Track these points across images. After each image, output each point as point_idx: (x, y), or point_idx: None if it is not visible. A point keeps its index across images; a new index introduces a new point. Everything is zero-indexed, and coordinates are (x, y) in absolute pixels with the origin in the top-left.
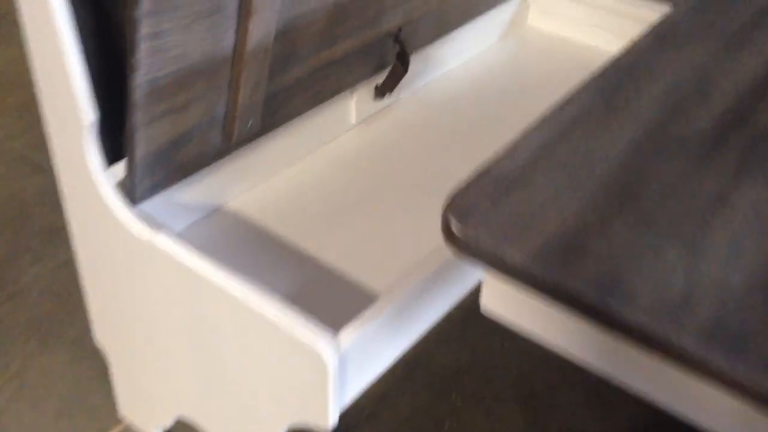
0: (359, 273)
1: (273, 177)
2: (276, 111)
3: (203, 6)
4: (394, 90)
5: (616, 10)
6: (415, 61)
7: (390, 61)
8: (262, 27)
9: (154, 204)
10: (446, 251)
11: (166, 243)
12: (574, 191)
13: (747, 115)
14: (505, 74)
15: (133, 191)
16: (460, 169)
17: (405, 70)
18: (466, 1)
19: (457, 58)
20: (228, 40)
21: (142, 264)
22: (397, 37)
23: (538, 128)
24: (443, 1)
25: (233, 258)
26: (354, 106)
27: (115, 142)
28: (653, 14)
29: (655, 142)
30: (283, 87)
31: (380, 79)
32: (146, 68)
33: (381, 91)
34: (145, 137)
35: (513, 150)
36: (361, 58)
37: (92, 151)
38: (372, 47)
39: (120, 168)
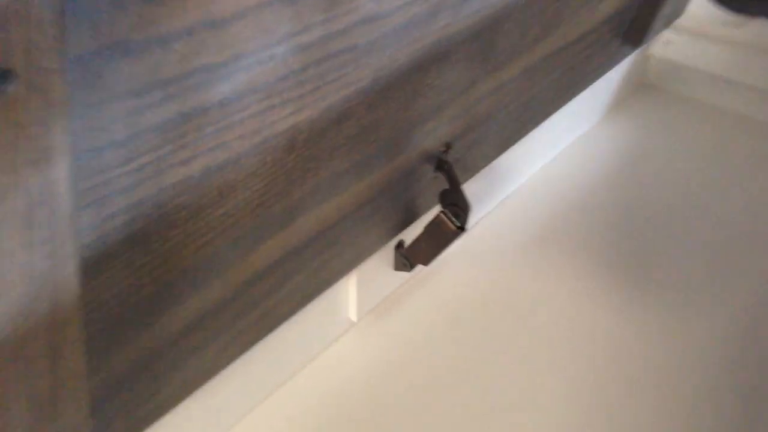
0: None
1: None
2: (153, 394)
3: None
4: (435, 258)
5: None
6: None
7: (426, 203)
8: (10, 291)
9: None
10: None
11: None
12: None
13: None
14: (620, 177)
15: None
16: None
17: (460, 227)
18: (567, 72)
19: (537, 161)
20: None
21: None
22: (441, 162)
23: None
24: (527, 81)
25: None
26: (354, 288)
27: None
28: None
29: None
30: (158, 349)
31: (407, 233)
32: None
33: (409, 260)
34: None
35: None
36: (362, 221)
37: None
38: (388, 193)
39: None
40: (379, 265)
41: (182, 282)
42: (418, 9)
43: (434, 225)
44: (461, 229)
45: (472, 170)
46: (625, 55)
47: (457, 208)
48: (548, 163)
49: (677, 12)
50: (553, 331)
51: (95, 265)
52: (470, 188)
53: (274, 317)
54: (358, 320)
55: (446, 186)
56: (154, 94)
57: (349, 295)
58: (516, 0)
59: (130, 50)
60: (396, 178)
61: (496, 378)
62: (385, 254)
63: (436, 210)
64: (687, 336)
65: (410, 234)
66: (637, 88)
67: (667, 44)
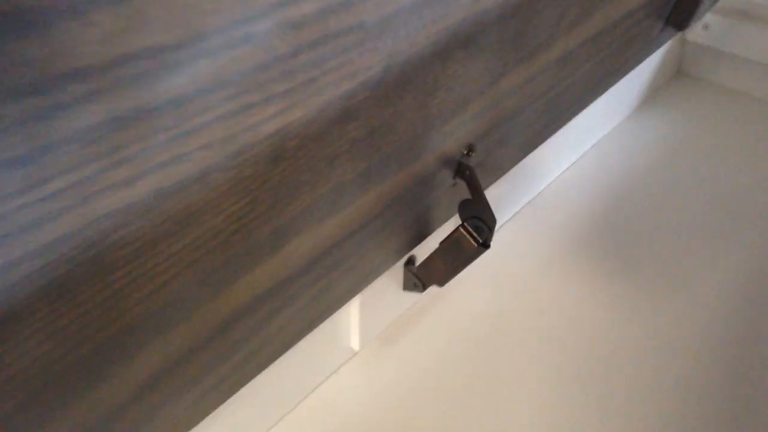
0: None
1: None
2: None
3: None
4: (452, 278)
5: None
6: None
7: (442, 216)
8: None
9: None
10: None
11: None
12: None
13: None
14: (655, 172)
15: None
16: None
17: (483, 244)
18: (599, 62)
19: (566, 159)
20: None
21: None
22: (462, 167)
23: None
24: (561, 72)
25: None
26: (356, 315)
27: None
28: None
29: None
30: (112, 414)
31: (419, 250)
32: None
33: (422, 280)
34: None
35: None
36: (368, 241)
37: None
38: (398, 204)
39: None
40: (386, 285)
41: (135, 334)
42: None
43: (452, 241)
44: (485, 246)
45: (495, 175)
46: (666, 40)
47: (479, 221)
48: (577, 160)
49: None
50: (578, 366)
51: (1, 329)
52: (491, 193)
53: (262, 358)
54: (361, 349)
55: (467, 195)
56: (69, 88)
57: (351, 321)
58: None
59: (27, 23)
60: (409, 187)
61: (507, 413)
62: (393, 272)
63: (453, 222)
64: (712, 350)
65: (423, 249)
66: (672, 77)
67: (706, 28)
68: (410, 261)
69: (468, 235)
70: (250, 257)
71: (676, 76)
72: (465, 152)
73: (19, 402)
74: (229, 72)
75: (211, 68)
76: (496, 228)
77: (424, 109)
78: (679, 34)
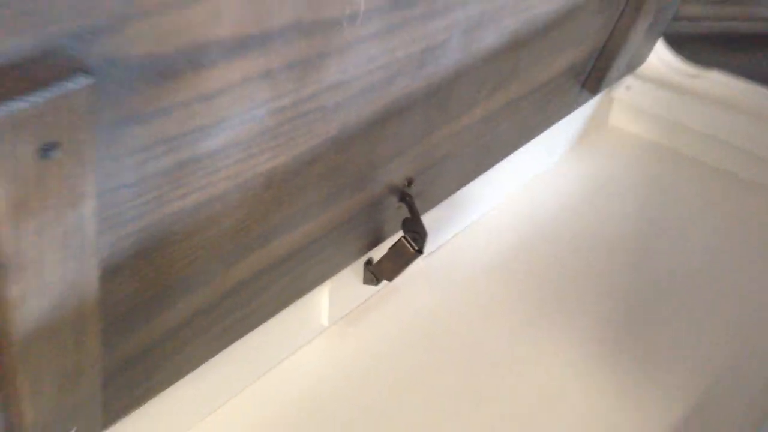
0: None
1: None
2: (146, 378)
3: None
4: (398, 275)
5: (746, 110)
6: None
7: (392, 229)
8: (50, 287)
9: None
10: None
11: None
12: None
13: None
14: (576, 211)
15: None
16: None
17: (418, 250)
18: (524, 119)
19: (499, 194)
20: None
21: None
22: (404, 194)
23: None
24: (489, 125)
25: None
26: (326, 297)
27: None
28: None
29: None
30: (157, 340)
31: (376, 251)
32: None
33: (376, 276)
34: None
35: None
36: (333, 243)
37: None
38: (356, 220)
39: None
40: (351, 278)
41: (176, 289)
42: (378, 76)
43: (397, 247)
44: (419, 251)
45: (433, 202)
46: (584, 101)
47: (416, 234)
48: (510, 195)
49: (639, 60)
50: (491, 342)
51: (110, 274)
52: (432, 216)
53: (255, 319)
54: (330, 325)
55: (408, 215)
56: (158, 148)
57: (323, 302)
58: (470, 61)
59: (140, 119)
60: (363, 208)
61: (446, 383)
62: (357, 270)
63: (399, 234)
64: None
65: (378, 253)
66: (600, 128)
67: (628, 89)
68: (369, 262)
69: (408, 244)
70: (246, 248)
71: (604, 127)
72: (406, 184)
73: (113, 320)
74: (241, 137)
75: (231, 135)
76: (437, 245)
77: (369, 155)
78: (605, 93)
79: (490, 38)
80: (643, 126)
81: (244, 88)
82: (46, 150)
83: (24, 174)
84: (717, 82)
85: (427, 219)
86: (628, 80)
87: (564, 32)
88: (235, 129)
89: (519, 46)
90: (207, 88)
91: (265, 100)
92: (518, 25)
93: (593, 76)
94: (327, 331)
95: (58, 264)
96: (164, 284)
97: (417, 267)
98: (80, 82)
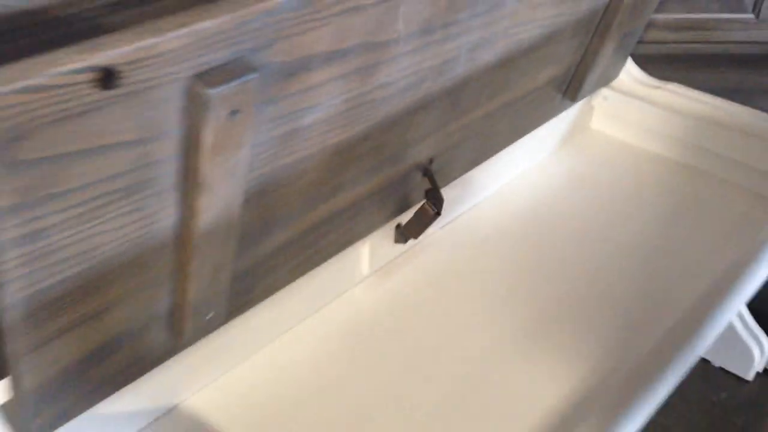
0: None
1: (247, 360)
2: (251, 288)
3: (115, 184)
4: (422, 233)
5: (700, 116)
6: (449, 187)
7: (416, 198)
8: (219, 201)
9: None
10: None
11: None
12: None
13: None
14: (562, 197)
15: (26, 428)
16: (513, 342)
17: (437, 212)
18: (517, 118)
19: (502, 179)
20: (165, 221)
21: None
22: (426, 170)
23: None
24: (489, 121)
25: None
26: (367, 252)
27: None
28: (749, 123)
29: None
30: (262, 258)
31: (404, 217)
32: (22, 282)
33: (404, 236)
34: (35, 364)
35: None
36: (376, 204)
37: None
38: (392, 187)
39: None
40: (386, 239)
41: (275, 221)
42: (411, 80)
43: (420, 210)
44: (438, 213)
45: (448, 179)
46: (566, 107)
47: (435, 200)
48: (508, 182)
49: (613, 75)
50: (490, 288)
51: (245, 202)
52: (449, 194)
53: (320, 257)
54: (369, 275)
55: (429, 186)
56: (278, 121)
57: (364, 255)
58: (473, 72)
59: (273, 101)
60: (396, 178)
61: (456, 315)
62: (389, 233)
63: (422, 202)
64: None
65: (405, 219)
66: (583, 131)
67: (605, 99)
68: (398, 226)
69: (429, 207)
70: (320, 197)
71: (587, 130)
72: (428, 162)
73: (238, 241)
74: (324, 117)
75: (319, 116)
76: (451, 219)
77: (403, 137)
78: (585, 101)
79: (488, 56)
80: (618, 129)
81: (329, 84)
82: (233, 114)
83: (221, 127)
84: (675, 92)
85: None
86: (605, 92)
87: (545, 52)
88: (321, 111)
89: (510, 62)
90: (309, 83)
91: (340, 93)
92: (509, 47)
93: (572, 87)
94: (367, 279)
95: (226, 187)
96: (268, 216)
97: (436, 235)
98: (251, 77)
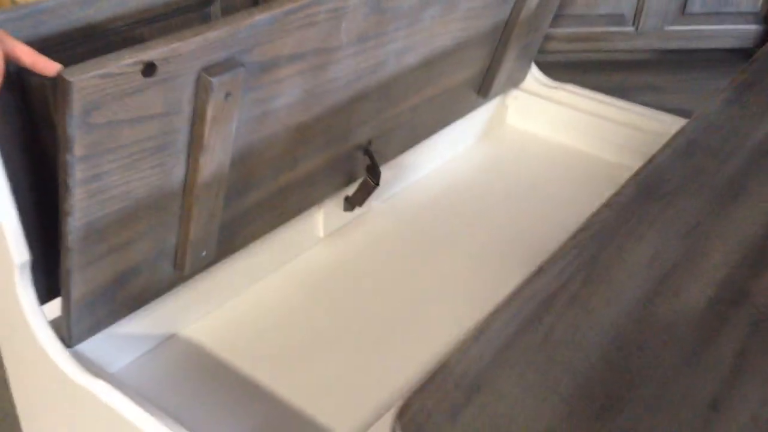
0: (324, 416)
1: (232, 300)
2: (233, 236)
3: (148, 144)
4: (365, 202)
5: (591, 111)
6: (387, 168)
7: (360, 173)
8: (214, 161)
9: (96, 340)
10: None
11: (104, 390)
12: (545, 396)
13: (743, 292)
14: (482, 178)
15: (69, 334)
16: (435, 288)
17: (376, 183)
18: (439, 110)
19: (432, 163)
20: (177, 174)
21: (82, 409)
22: (366, 149)
23: (504, 310)
24: (416, 112)
25: (183, 397)
26: (322, 219)
27: (56, 277)
28: (631, 115)
29: (640, 328)
30: (241, 212)
31: (350, 190)
32: (82, 212)
33: (351, 204)
34: (81, 279)
35: (475, 340)
36: (328, 175)
37: (25, 292)
38: (340, 162)
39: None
40: (337, 207)
41: (251, 183)
42: (353, 76)
43: (363, 183)
44: (377, 184)
45: (386, 158)
46: (482, 104)
47: (374, 174)
48: (438, 167)
49: (520, 78)
50: (418, 251)
51: (230, 164)
52: (387, 174)
53: (285, 216)
54: (324, 237)
55: (369, 163)
56: (258, 103)
57: (319, 220)
58: (401, 71)
59: (252, 89)
60: (344, 153)
61: (394, 270)
62: (339, 203)
63: (364, 176)
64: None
65: (351, 188)
66: (501, 125)
67: (515, 98)
68: (346, 198)
69: (369, 180)
70: (285, 166)
71: (503, 124)
72: (368, 143)
73: (227, 194)
74: (275, 104)
75: (274, 101)
76: (389, 196)
77: (349, 121)
78: (499, 99)
79: (412, 59)
80: (528, 123)
81: (291, 78)
82: (227, 96)
83: (219, 106)
84: (572, 91)
85: (384, 169)
86: (515, 92)
87: (459, 57)
88: (285, 98)
89: (430, 64)
90: (277, 77)
91: (299, 85)
92: (429, 52)
93: (484, 86)
94: (322, 240)
95: (219, 150)
96: (247, 178)
97: (378, 208)
98: (239, 70)
